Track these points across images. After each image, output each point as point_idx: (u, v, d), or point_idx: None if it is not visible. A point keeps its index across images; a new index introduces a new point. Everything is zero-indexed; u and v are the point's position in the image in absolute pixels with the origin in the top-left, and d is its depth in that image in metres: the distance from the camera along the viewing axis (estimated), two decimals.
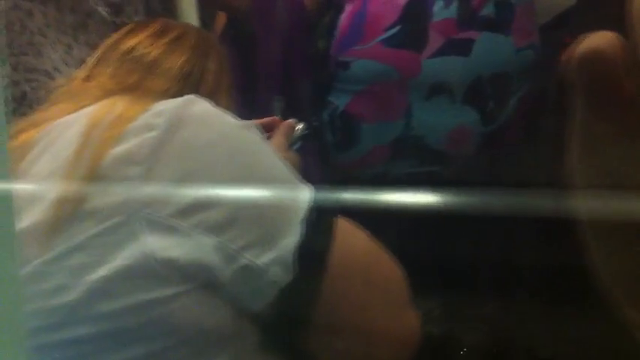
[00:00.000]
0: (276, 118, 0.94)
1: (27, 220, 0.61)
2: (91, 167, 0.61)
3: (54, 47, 1.11)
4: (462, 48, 1.07)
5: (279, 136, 0.90)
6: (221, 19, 1.29)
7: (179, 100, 0.64)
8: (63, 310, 0.60)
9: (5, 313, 0.43)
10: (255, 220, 0.61)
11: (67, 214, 0.60)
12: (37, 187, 0.63)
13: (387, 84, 1.09)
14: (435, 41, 1.06)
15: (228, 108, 0.71)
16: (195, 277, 0.60)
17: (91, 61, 0.81)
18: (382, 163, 1.14)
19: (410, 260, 0.68)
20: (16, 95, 1.00)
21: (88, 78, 0.78)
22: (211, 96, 0.71)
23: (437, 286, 1.05)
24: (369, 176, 1.16)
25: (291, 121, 0.94)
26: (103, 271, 0.59)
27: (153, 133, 0.61)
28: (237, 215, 0.60)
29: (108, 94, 0.72)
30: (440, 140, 1.11)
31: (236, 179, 0.62)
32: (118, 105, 0.66)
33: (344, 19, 1.12)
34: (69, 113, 0.70)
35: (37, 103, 1.03)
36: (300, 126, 0.96)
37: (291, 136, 0.93)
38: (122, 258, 0.59)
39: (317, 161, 1.12)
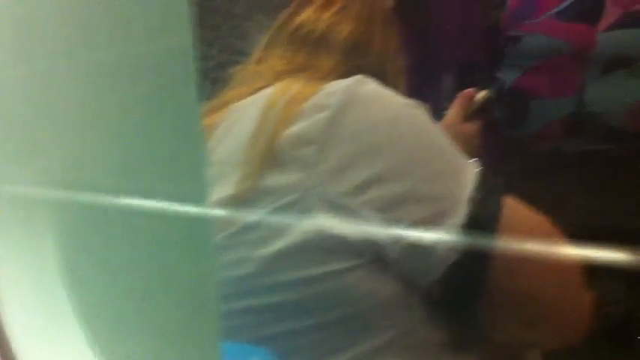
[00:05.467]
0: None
1: (214, 196, 0.66)
2: (268, 147, 0.65)
3: (259, 30, 1.17)
4: None
5: (455, 107, 0.89)
6: None
7: (349, 80, 0.67)
8: (244, 281, 0.65)
9: (202, 283, 0.48)
10: (422, 200, 0.62)
11: (246, 192, 0.65)
12: (220, 170, 0.67)
13: (560, 59, 1.04)
14: (611, 13, 1.01)
15: (396, 85, 0.72)
16: (365, 253, 0.63)
17: (261, 43, 0.83)
18: (555, 140, 1.10)
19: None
20: (223, 77, 1.05)
21: (259, 60, 0.81)
22: (379, 72, 0.72)
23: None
24: (542, 153, 1.13)
25: (469, 90, 0.92)
26: (278, 245, 0.63)
27: (324, 114, 0.64)
28: (405, 195, 0.62)
29: (279, 75, 0.75)
30: (618, 116, 1.05)
31: (402, 160, 0.64)
32: (291, 87, 0.69)
33: None
34: (245, 96, 0.74)
35: None
36: (481, 94, 0.93)
37: (469, 106, 0.91)
38: (296, 233, 0.62)
39: (487, 137, 1.10)
